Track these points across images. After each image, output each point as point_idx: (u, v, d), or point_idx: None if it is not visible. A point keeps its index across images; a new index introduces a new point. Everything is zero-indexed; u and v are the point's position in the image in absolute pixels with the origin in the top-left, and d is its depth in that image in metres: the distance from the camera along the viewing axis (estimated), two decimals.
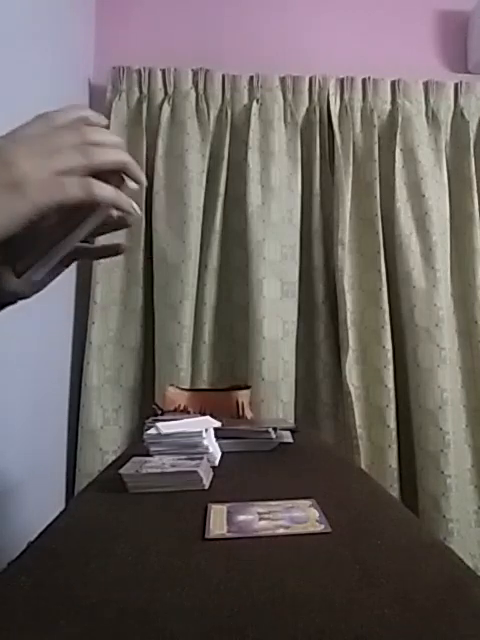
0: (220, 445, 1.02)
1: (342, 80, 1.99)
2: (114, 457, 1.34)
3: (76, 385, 1.78)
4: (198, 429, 0.93)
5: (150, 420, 1.14)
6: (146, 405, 1.78)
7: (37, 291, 0.42)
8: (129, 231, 1.88)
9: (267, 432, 1.08)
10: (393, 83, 2.00)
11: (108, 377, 1.81)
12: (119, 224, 0.42)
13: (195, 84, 1.95)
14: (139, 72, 1.95)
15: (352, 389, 1.78)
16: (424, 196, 1.89)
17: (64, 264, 0.42)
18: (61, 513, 0.68)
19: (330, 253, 1.91)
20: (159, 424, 0.96)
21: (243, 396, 1.55)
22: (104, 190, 0.35)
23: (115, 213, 0.41)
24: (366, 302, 1.88)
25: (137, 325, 1.84)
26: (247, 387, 1.62)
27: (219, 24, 2.11)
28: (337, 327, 1.87)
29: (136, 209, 0.39)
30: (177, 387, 1.59)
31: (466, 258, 1.94)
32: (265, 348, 1.76)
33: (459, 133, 2.01)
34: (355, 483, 0.82)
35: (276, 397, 1.75)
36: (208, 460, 0.89)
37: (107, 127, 0.41)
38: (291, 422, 1.57)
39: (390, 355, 1.81)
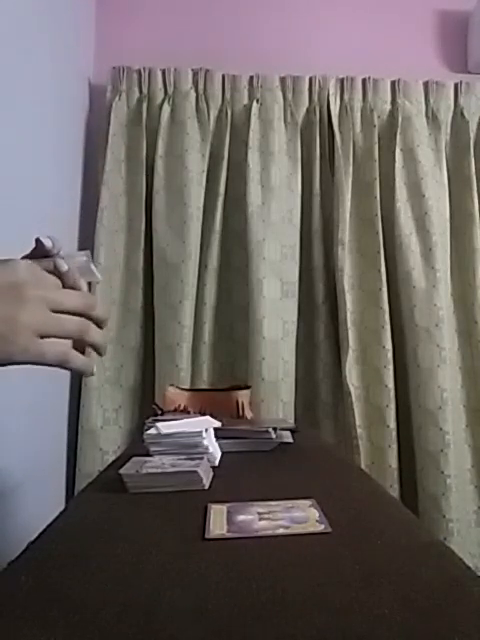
0: (220, 445, 1.02)
1: (342, 80, 1.99)
2: (114, 457, 1.34)
3: (76, 385, 1.78)
4: (198, 429, 0.93)
5: (150, 420, 1.14)
6: (146, 405, 1.78)
7: None
8: (129, 231, 1.89)
9: (267, 432, 1.08)
10: (393, 83, 2.00)
11: (108, 377, 1.81)
12: None
13: (195, 84, 1.95)
14: (139, 72, 1.95)
15: (352, 389, 1.78)
16: (424, 196, 1.89)
17: None
18: (61, 513, 0.68)
19: (330, 253, 1.91)
20: (159, 424, 0.96)
21: (243, 396, 1.55)
22: (76, 361, 0.42)
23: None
24: (366, 302, 1.88)
25: (137, 325, 1.84)
26: (247, 387, 1.62)
27: (219, 24, 2.12)
28: (337, 327, 1.87)
29: (92, 371, 0.45)
30: (177, 387, 1.59)
31: (466, 258, 1.94)
32: (265, 348, 1.76)
33: (459, 133, 2.01)
34: (355, 483, 0.82)
35: (276, 397, 1.75)
36: (208, 460, 0.89)
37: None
38: (291, 422, 1.57)
39: (390, 355, 1.81)
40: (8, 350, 0.37)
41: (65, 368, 0.41)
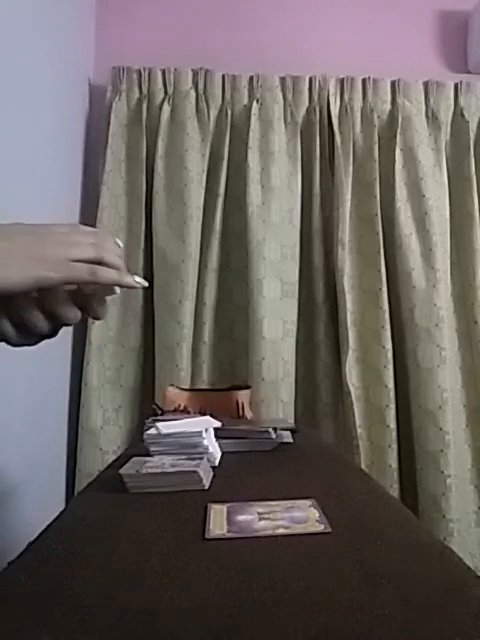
0: (220, 445, 1.02)
1: (342, 80, 1.99)
2: (114, 457, 1.34)
3: (76, 385, 1.78)
4: (198, 429, 0.93)
5: (150, 420, 1.14)
6: (146, 405, 1.78)
7: (23, 344, 0.51)
8: (129, 231, 1.89)
9: (267, 432, 1.08)
10: (393, 83, 2.00)
11: (108, 377, 1.81)
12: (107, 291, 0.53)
13: (195, 84, 1.95)
14: (139, 72, 1.95)
15: (352, 389, 1.78)
16: (424, 196, 1.89)
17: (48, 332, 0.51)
18: (61, 513, 0.68)
19: (330, 253, 1.91)
20: (159, 424, 0.96)
21: (243, 396, 1.55)
22: (106, 273, 0.48)
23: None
24: (366, 302, 1.88)
25: (137, 325, 1.84)
26: (247, 387, 1.62)
27: (219, 24, 2.12)
28: (337, 327, 1.87)
29: (141, 282, 0.51)
30: (177, 387, 1.59)
31: (466, 258, 1.94)
32: (265, 348, 1.76)
33: (459, 133, 2.01)
34: (355, 483, 0.82)
35: (276, 397, 1.75)
36: (208, 460, 0.89)
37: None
38: (291, 422, 1.57)
39: (390, 355, 1.81)
40: (48, 267, 0.44)
41: (98, 280, 0.47)
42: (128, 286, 0.50)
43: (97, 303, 0.51)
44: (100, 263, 0.48)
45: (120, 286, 0.50)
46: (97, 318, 0.53)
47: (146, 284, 0.52)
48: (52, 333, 0.51)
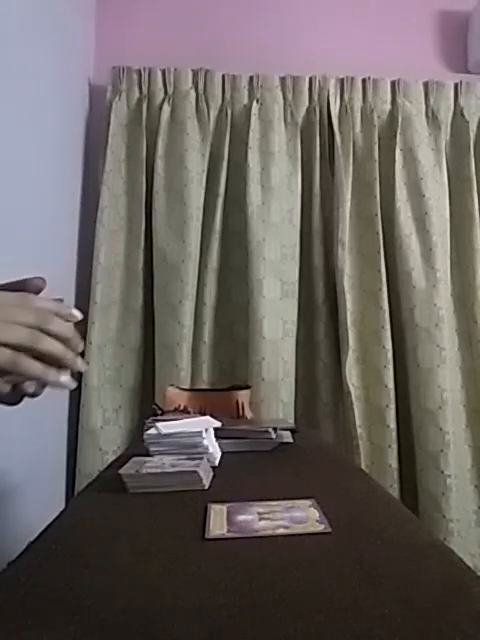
0: (220, 445, 1.02)
1: (342, 80, 1.99)
2: (114, 457, 1.34)
3: (76, 385, 1.78)
4: (198, 429, 0.93)
5: (150, 420, 1.14)
6: (146, 405, 1.78)
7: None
8: (129, 231, 1.89)
9: (267, 432, 1.08)
10: (393, 83, 2.00)
11: (108, 377, 1.81)
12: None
13: (195, 84, 1.95)
14: (139, 72, 1.95)
15: (352, 389, 1.78)
16: (424, 196, 1.89)
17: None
18: (61, 513, 0.68)
19: (330, 253, 1.91)
20: (159, 424, 0.96)
21: (243, 396, 1.55)
22: (28, 366, 0.43)
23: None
24: (366, 302, 1.88)
25: (137, 325, 1.84)
26: (247, 387, 1.62)
27: (219, 24, 2.12)
28: (337, 327, 1.87)
29: (67, 384, 0.46)
30: (177, 387, 1.59)
31: (466, 258, 1.94)
32: (265, 348, 1.76)
33: (459, 133, 2.01)
34: (355, 483, 0.82)
35: (276, 397, 1.75)
36: (208, 460, 0.89)
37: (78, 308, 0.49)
38: (291, 422, 1.57)
39: (390, 355, 1.81)
40: None
41: (16, 373, 0.43)
42: (53, 385, 0.45)
43: (29, 385, 0.47)
44: (32, 350, 0.43)
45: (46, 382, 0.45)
46: (32, 396, 0.49)
47: (73, 386, 0.47)
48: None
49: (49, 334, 0.44)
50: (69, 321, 0.47)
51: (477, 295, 1.88)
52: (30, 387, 0.47)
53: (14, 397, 0.49)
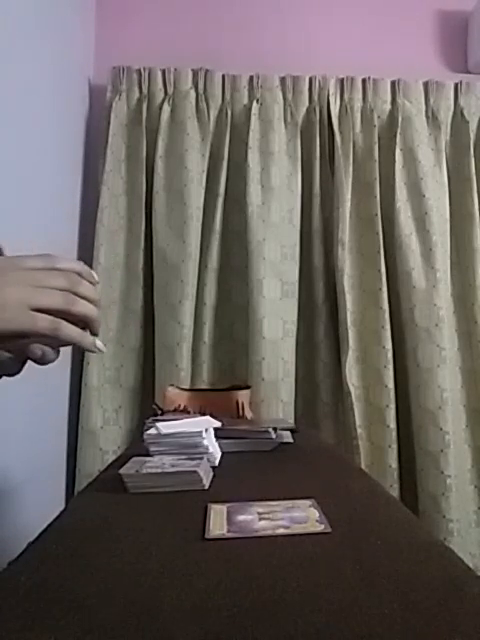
0: (220, 445, 1.02)
1: (342, 80, 1.99)
2: (114, 457, 1.34)
3: (76, 385, 1.78)
4: (198, 429, 0.93)
5: (150, 420, 1.14)
6: (146, 405, 1.78)
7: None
8: (129, 231, 1.89)
9: (267, 432, 1.08)
10: (393, 83, 2.00)
11: (108, 377, 1.81)
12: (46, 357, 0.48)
13: (195, 84, 1.95)
14: (139, 72, 1.95)
15: (352, 389, 1.78)
16: (424, 196, 1.89)
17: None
18: (61, 513, 0.68)
19: (330, 253, 1.91)
20: (159, 424, 0.96)
21: (243, 396, 1.55)
22: (69, 331, 0.42)
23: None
24: (366, 302, 1.88)
25: (137, 325, 1.84)
26: (247, 387, 1.62)
27: (219, 24, 2.12)
28: (337, 327, 1.87)
29: (100, 348, 0.46)
30: (177, 387, 1.59)
31: (466, 258, 1.94)
32: (265, 348, 1.76)
33: (459, 133, 2.01)
34: (355, 483, 0.82)
35: (276, 397, 1.75)
36: (208, 460, 0.89)
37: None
38: (291, 422, 1.57)
39: (390, 355, 1.81)
40: (4, 316, 0.39)
41: (59, 339, 0.42)
42: (86, 349, 0.45)
43: (49, 352, 0.47)
44: (66, 313, 0.42)
45: (80, 347, 0.45)
46: (42, 364, 0.48)
47: (105, 350, 0.47)
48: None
49: (79, 296, 0.44)
50: (90, 282, 0.47)
51: (477, 295, 1.88)
52: (53, 353, 0.46)
53: (17, 366, 0.48)
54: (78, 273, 0.46)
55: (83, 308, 0.44)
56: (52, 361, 0.47)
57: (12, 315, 0.39)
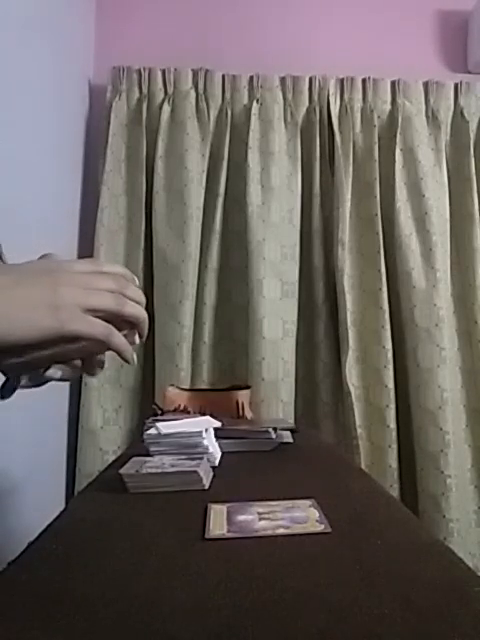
0: (220, 445, 1.02)
1: (342, 80, 1.99)
2: (114, 457, 1.34)
3: (76, 385, 1.78)
4: (198, 429, 0.93)
5: (150, 420, 1.14)
6: (146, 405, 1.78)
7: (5, 397, 0.49)
8: (129, 231, 1.89)
9: (267, 432, 1.08)
10: (393, 83, 2.00)
11: (108, 377, 1.81)
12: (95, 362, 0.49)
13: (195, 84, 1.95)
14: (139, 72, 1.95)
15: (352, 389, 1.78)
16: (424, 196, 1.89)
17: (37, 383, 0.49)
18: (61, 513, 0.68)
19: (330, 253, 1.91)
20: (159, 424, 0.96)
21: (243, 396, 1.55)
22: (119, 340, 0.42)
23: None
24: (366, 302, 1.88)
25: None
26: (247, 387, 1.62)
27: (219, 24, 2.12)
28: (337, 327, 1.87)
29: (134, 360, 0.46)
30: (177, 387, 1.59)
31: (466, 258, 1.94)
32: (265, 348, 1.76)
33: (459, 133, 2.01)
34: (355, 483, 0.82)
35: (276, 397, 1.75)
36: (208, 460, 0.89)
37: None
38: (291, 422, 1.57)
39: (390, 355, 1.81)
40: (59, 317, 0.38)
41: (110, 345, 0.42)
42: (124, 359, 0.44)
43: (96, 362, 0.47)
44: (118, 315, 0.42)
45: (120, 355, 0.44)
46: (92, 375, 0.48)
47: (135, 364, 0.48)
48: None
49: (128, 298, 0.44)
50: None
51: (477, 295, 1.88)
52: (100, 363, 0.46)
53: (40, 378, 0.48)
54: (123, 276, 0.46)
55: (133, 309, 0.44)
56: (67, 379, 0.48)
57: (68, 316, 0.39)
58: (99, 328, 0.41)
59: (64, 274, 0.41)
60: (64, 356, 0.45)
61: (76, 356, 0.47)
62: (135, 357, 0.46)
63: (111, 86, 1.94)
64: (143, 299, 0.46)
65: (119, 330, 0.44)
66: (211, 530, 0.59)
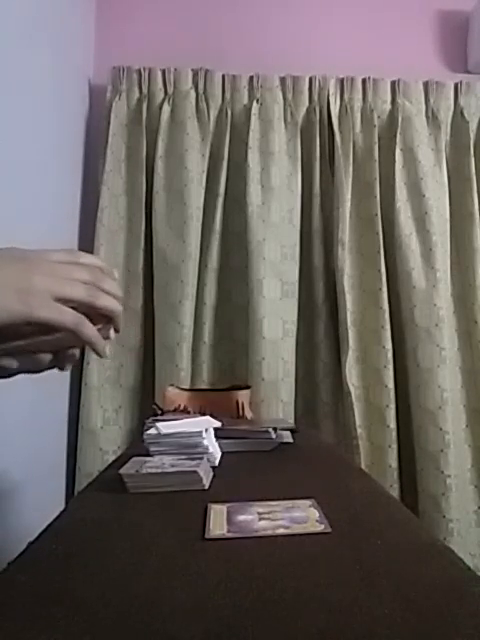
0: (220, 445, 1.02)
1: (342, 80, 1.99)
2: (114, 457, 1.34)
3: (76, 385, 1.78)
4: (198, 429, 0.93)
5: (150, 420, 1.14)
6: (146, 405, 1.78)
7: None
8: (129, 231, 1.89)
9: (267, 432, 1.08)
10: (393, 83, 2.00)
11: (108, 377, 1.81)
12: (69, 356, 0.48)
13: (195, 84, 1.95)
14: (139, 72, 1.95)
15: (352, 389, 1.77)
16: (424, 196, 1.89)
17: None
18: (61, 513, 0.68)
19: (330, 253, 1.91)
20: (159, 424, 0.96)
21: (243, 396, 1.55)
22: (90, 331, 0.42)
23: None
24: (366, 302, 1.88)
25: (137, 325, 1.84)
26: (247, 387, 1.62)
27: (219, 24, 2.12)
28: (337, 327, 1.87)
29: (107, 353, 0.46)
30: (177, 387, 1.59)
31: (466, 258, 1.94)
32: (265, 348, 1.76)
33: (459, 133, 2.01)
34: (355, 483, 0.82)
35: (276, 397, 1.75)
36: (208, 460, 0.89)
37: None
38: (291, 422, 1.57)
39: (390, 355, 1.81)
40: (29, 302, 0.39)
41: (80, 336, 0.42)
42: (97, 352, 0.44)
43: (71, 355, 0.46)
44: (91, 306, 0.43)
45: (92, 348, 0.44)
46: (62, 369, 0.48)
47: (109, 356, 0.47)
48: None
49: (103, 291, 0.44)
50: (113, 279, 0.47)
51: (477, 295, 1.88)
52: (71, 358, 0.46)
53: (34, 364, 0.47)
54: (100, 269, 0.46)
55: (107, 302, 0.44)
56: (30, 372, 0.47)
57: (39, 303, 0.39)
58: (68, 317, 0.40)
59: (40, 262, 0.41)
60: (37, 347, 0.45)
61: (48, 348, 0.46)
62: (108, 350, 0.46)
63: (111, 86, 1.94)
64: (119, 293, 0.46)
65: (94, 323, 0.44)
66: (211, 530, 0.59)
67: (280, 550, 0.53)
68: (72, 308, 0.42)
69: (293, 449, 1.08)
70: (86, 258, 0.46)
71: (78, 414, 1.75)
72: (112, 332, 0.47)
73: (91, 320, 0.43)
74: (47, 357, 0.48)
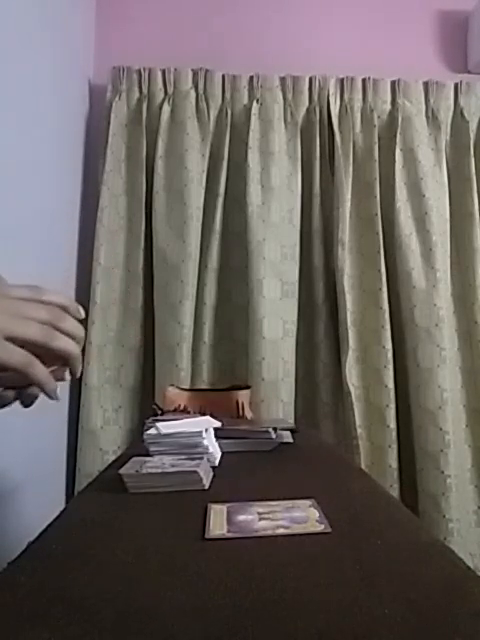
0: (220, 445, 1.02)
1: (342, 80, 1.99)
2: (114, 457, 1.34)
3: (76, 385, 1.78)
4: (198, 429, 0.93)
5: (150, 420, 1.14)
6: (146, 405, 1.78)
7: None
8: (129, 231, 1.89)
9: (267, 432, 1.08)
10: (393, 83, 2.00)
11: (108, 377, 1.81)
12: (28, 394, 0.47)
13: (195, 84, 1.95)
14: (139, 72, 1.95)
15: (352, 389, 1.77)
16: (424, 196, 1.89)
17: None
18: (61, 513, 0.68)
19: (330, 253, 1.91)
20: (159, 424, 0.96)
21: (243, 396, 1.55)
22: (40, 372, 0.40)
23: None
24: (366, 302, 1.88)
25: (137, 325, 1.84)
26: (247, 387, 1.62)
27: (219, 24, 2.12)
28: (337, 327, 1.87)
29: (57, 397, 0.44)
30: (177, 387, 1.59)
31: (466, 258, 1.94)
32: (265, 348, 1.76)
33: (459, 133, 2.01)
34: (355, 483, 0.82)
35: (276, 397, 1.75)
36: (208, 460, 0.89)
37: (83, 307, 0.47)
38: (291, 422, 1.57)
39: (390, 355, 1.81)
40: None
41: (28, 377, 0.40)
42: (46, 393, 0.43)
43: (30, 393, 0.45)
44: (45, 347, 0.41)
45: (42, 389, 0.42)
46: (24, 406, 0.46)
47: (59, 400, 0.44)
48: None
49: (61, 331, 0.43)
50: (76, 318, 0.45)
51: (477, 295, 1.88)
52: (30, 396, 0.45)
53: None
54: (64, 307, 0.44)
55: (63, 343, 0.42)
56: (5, 405, 0.46)
57: None
58: (17, 357, 0.39)
59: None
60: None
61: (5, 385, 0.45)
62: (59, 393, 0.44)
63: (111, 86, 1.94)
64: (81, 334, 0.44)
65: (50, 364, 0.42)
66: (211, 530, 0.59)
67: (280, 550, 0.53)
68: (28, 348, 0.40)
69: (293, 449, 1.08)
70: (49, 296, 0.44)
71: (78, 414, 1.75)
72: (67, 374, 0.45)
73: (46, 360, 0.42)
74: (10, 393, 0.47)
